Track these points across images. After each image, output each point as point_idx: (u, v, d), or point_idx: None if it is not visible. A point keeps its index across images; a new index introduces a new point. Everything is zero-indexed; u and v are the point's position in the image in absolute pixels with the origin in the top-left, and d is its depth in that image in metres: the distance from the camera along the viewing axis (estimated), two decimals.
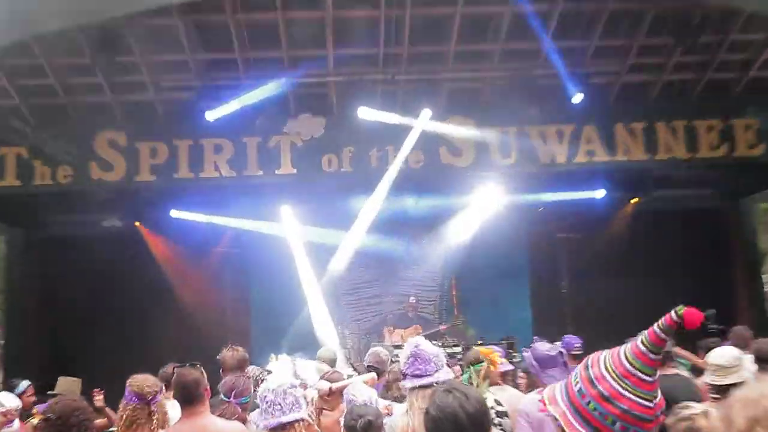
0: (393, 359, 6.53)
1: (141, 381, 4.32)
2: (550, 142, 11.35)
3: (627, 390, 1.80)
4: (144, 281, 12.44)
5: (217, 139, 11.15)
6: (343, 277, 13.62)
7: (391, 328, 12.30)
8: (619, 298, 12.02)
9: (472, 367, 5.18)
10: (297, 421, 3.52)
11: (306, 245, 13.08)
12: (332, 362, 6.76)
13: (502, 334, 11.48)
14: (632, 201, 12.82)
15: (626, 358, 1.82)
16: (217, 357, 5.43)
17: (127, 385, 4.30)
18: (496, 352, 5.53)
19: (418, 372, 3.85)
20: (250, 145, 11.22)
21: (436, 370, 3.85)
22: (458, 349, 10.04)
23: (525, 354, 5.00)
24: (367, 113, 10.89)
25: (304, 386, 4.72)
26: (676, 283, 10.67)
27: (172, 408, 4.50)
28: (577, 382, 1.89)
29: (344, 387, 4.40)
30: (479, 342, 9.90)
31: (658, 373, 1.85)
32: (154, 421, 4.23)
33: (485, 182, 11.91)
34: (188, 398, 4.15)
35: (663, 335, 1.81)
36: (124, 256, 12.35)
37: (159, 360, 6.61)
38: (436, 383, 3.66)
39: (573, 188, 12.38)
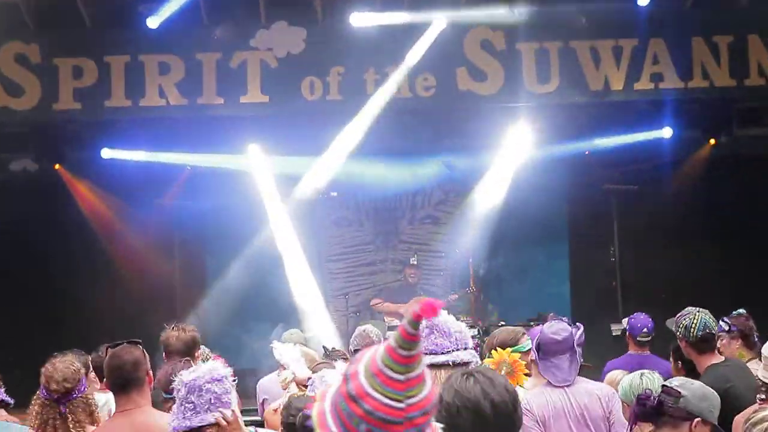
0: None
1: (52, 370, 4.43)
2: (604, 63, 11.20)
3: (374, 389, 1.91)
4: (67, 242, 12.39)
5: (162, 56, 11.10)
6: (330, 239, 13.91)
7: (383, 301, 12.60)
8: (686, 269, 12.04)
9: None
10: (209, 426, 3.58)
11: (279, 193, 13.05)
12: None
13: (531, 313, 11.66)
14: (710, 143, 12.58)
15: (379, 353, 1.94)
16: (160, 339, 5.52)
17: (42, 370, 4.45)
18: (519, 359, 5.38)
19: (433, 348, 3.70)
20: (206, 64, 11.16)
21: (456, 349, 3.71)
22: (474, 331, 9.71)
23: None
24: (362, 19, 10.84)
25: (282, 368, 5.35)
26: (764, 250, 10.78)
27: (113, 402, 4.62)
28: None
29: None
30: (501, 324, 9.95)
31: (420, 371, 1.92)
32: (70, 425, 4.36)
33: (516, 117, 11.75)
34: (124, 385, 4.19)
35: (411, 329, 1.89)
36: (40, 208, 12.20)
37: (88, 342, 6.71)
38: (455, 363, 3.57)
39: (631, 125, 12.20)
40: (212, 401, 3.61)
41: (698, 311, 5.47)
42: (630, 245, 13.14)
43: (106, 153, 12.25)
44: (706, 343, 5.39)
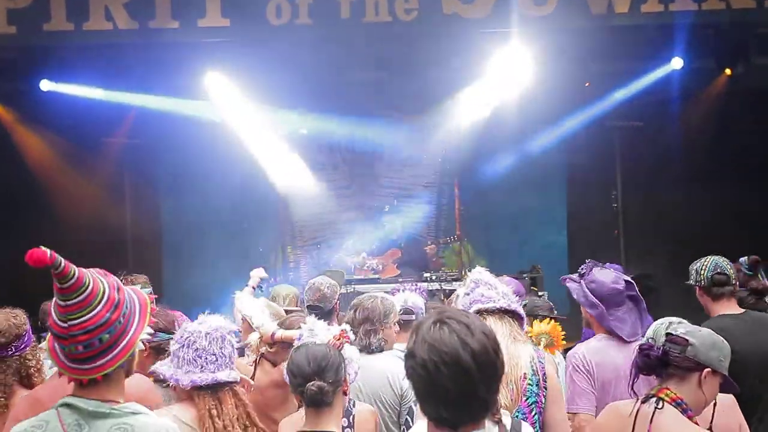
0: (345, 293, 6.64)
1: None
2: None
3: (53, 313, 2.85)
4: (1, 187, 12.12)
5: None
6: (300, 184, 13.88)
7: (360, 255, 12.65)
8: (697, 216, 12.07)
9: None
10: (234, 383, 3.80)
11: (244, 129, 13.15)
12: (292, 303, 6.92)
13: (523, 265, 11.86)
14: (725, 74, 12.46)
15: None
16: None
17: None
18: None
19: (479, 298, 4.11)
20: None
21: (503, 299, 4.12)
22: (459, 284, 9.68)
23: (573, 286, 5.01)
24: None
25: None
26: None
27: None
28: None
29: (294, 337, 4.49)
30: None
31: (77, 301, 2.80)
32: (11, 379, 4.37)
33: (508, 43, 11.50)
34: None
35: (54, 269, 2.74)
36: None
37: (24, 301, 6.10)
38: (504, 310, 4.08)
39: (637, 54, 12.06)
40: (231, 356, 3.83)
41: (712, 256, 5.33)
42: (634, 189, 13.25)
43: (46, 85, 12.13)
44: (718, 286, 5.22)
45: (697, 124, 12.57)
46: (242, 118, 12.93)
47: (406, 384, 4.54)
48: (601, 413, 3.91)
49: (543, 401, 4.05)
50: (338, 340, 3.94)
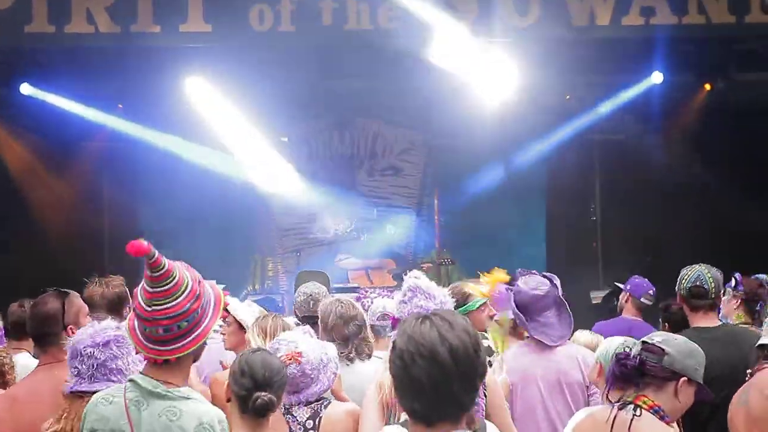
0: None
1: None
2: None
3: (138, 297, 3.25)
4: None
5: None
6: (280, 191, 13.82)
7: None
8: (676, 230, 12.07)
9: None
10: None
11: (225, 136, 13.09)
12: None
13: None
14: (705, 88, 12.42)
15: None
16: (83, 295, 5.27)
17: None
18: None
19: (417, 310, 3.95)
20: None
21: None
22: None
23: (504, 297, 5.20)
24: None
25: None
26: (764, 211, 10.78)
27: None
28: None
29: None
30: None
31: (163, 289, 3.20)
32: None
33: (489, 54, 11.40)
34: (42, 337, 4.27)
35: (148, 260, 3.16)
36: None
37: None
38: None
39: (618, 68, 11.99)
40: (96, 367, 3.70)
41: (701, 265, 5.30)
42: (613, 202, 13.16)
43: (26, 89, 11.97)
44: (696, 298, 5.21)
45: (677, 138, 12.56)
46: (223, 125, 12.83)
47: None
48: (576, 420, 3.93)
49: (483, 408, 4.13)
50: (290, 359, 3.99)
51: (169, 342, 3.19)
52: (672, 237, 11.83)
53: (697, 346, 3.66)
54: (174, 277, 3.19)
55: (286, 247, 14.00)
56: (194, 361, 3.43)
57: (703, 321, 5.19)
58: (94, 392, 3.61)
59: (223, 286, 3.76)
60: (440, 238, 13.27)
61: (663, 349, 3.55)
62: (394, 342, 2.50)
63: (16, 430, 4.08)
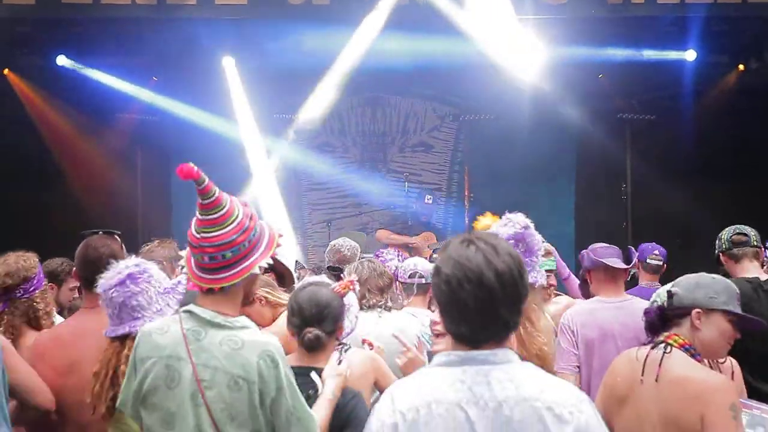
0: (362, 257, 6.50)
1: (1, 261, 4.49)
2: None
3: (192, 225, 3.33)
4: (16, 156, 11.94)
5: None
6: (312, 166, 13.83)
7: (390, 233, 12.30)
8: (707, 211, 11.57)
9: None
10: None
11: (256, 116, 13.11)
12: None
13: None
14: (738, 69, 12.33)
15: None
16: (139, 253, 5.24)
17: None
18: None
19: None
20: None
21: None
22: None
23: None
24: None
25: None
26: None
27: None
28: None
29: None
30: None
31: (213, 217, 3.28)
32: (19, 321, 4.41)
33: (522, 32, 11.36)
34: (95, 280, 3.92)
35: (198, 186, 3.27)
36: None
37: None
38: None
39: (651, 45, 11.94)
40: (119, 308, 3.72)
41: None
42: (643, 182, 13.06)
43: (62, 60, 12.05)
44: (738, 246, 5.22)
45: (709, 118, 12.36)
46: (255, 100, 12.86)
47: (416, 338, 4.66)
48: (616, 358, 4.01)
49: None
50: (344, 288, 3.97)
51: (215, 271, 3.24)
52: (702, 217, 11.47)
53: (710, 276, 3.73)
54: (223, 207, 3.24)
55: (315, 221, 14.02)
56: (246, 298, 3.47)
57: (748, 271, 5.17)
58: (127, 336, 3.70)
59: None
60: (470, 215, 13.10)
61: (670, 291, 3.68)
62: (438, 267, 2.54)
63: (57, 366, 4.08)
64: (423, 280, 5.48)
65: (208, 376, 3.19)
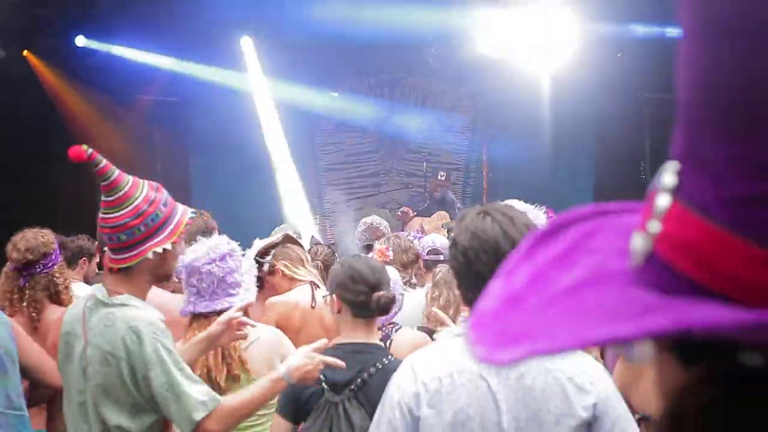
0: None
1: (19, 238, 4.57)
2: None
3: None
4: (37, 136, 11.85)
5: None
6: (329, 146, 13.88)
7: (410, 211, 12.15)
8: None
9: None
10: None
11: (275, 99, 13.21)
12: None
13: None
14: None
15: None
16: None
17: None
18: None
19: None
20: None
21: None
22: None
23: None
24: None
25: None
26: None
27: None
28: None
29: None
30: None
31: (112, 199, 3.23)
32: (24, 302, 4.48)
33: (539, 12, 11.65)
34: None
35: (94, 167, 3.20)
36: (6, 98, 11.60)
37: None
38: None
39: (671, 22, 11.45)
40: (216, 284, 3.72)
41: None
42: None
43: (82, 42, 12.11)
44: None
45: None
46: (273, 89, 12.93)
47: None
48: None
49: None
50: (381, 256, 4.06)
51: (113, 252, 3.25)
52: None
53: None
54: (120, 190, 3.22)
55: (333, 201, 14.02)
56: (158, 280, 3.44)
57: None
58: (219, 312, 3.65)
59: (192, 210, 3.58)
60: (488, 194, 13.09)
61: None
62: (454, 238, 2.54)
63: None
64: (441, 257, 5.48)
65: (89, 352, 3.20)
